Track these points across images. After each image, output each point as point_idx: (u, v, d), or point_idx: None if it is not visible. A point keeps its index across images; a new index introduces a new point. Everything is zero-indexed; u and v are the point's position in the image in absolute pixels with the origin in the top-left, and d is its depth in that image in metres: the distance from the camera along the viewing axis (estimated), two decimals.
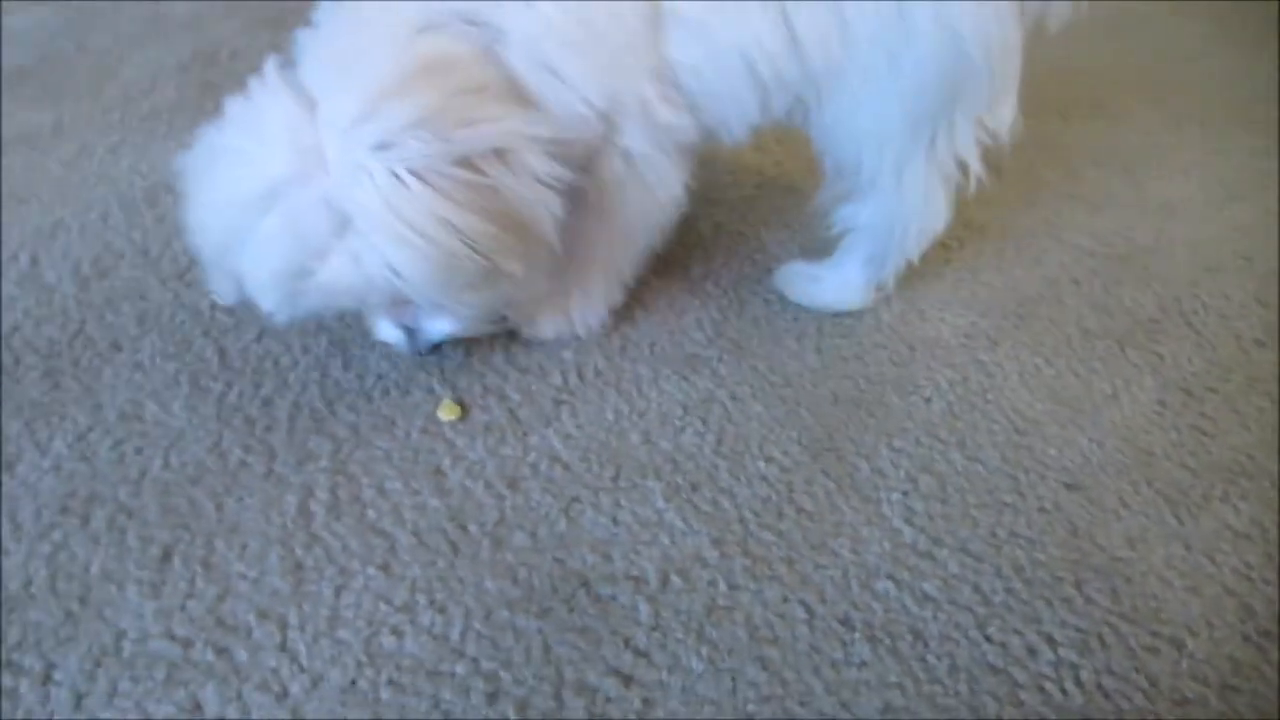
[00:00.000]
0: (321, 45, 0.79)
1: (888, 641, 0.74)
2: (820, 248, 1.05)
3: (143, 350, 0.95)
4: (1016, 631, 0.75)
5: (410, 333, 0.88)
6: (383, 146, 0.71)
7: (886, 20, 0.82)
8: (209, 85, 1.38)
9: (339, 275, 0.75)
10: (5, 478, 0.83)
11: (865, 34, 0.83)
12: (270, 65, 0.76)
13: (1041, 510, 0.84)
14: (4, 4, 1.61)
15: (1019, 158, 1.34)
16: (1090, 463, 0.89)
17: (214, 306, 1.00)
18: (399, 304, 0.84)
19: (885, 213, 0.95)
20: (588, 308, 0.98)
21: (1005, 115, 0.90)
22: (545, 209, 0.79)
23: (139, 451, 0.86)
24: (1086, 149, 1.37)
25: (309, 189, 0.72)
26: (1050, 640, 0.74)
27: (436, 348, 0.92)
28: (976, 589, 0.78)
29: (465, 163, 0.73)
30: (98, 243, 1.08)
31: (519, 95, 0.80)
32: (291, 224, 0.73)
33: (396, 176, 0.70)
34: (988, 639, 0.74)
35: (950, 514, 0.84)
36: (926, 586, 0.78)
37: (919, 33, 0.82)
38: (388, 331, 0.89)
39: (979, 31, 0.82)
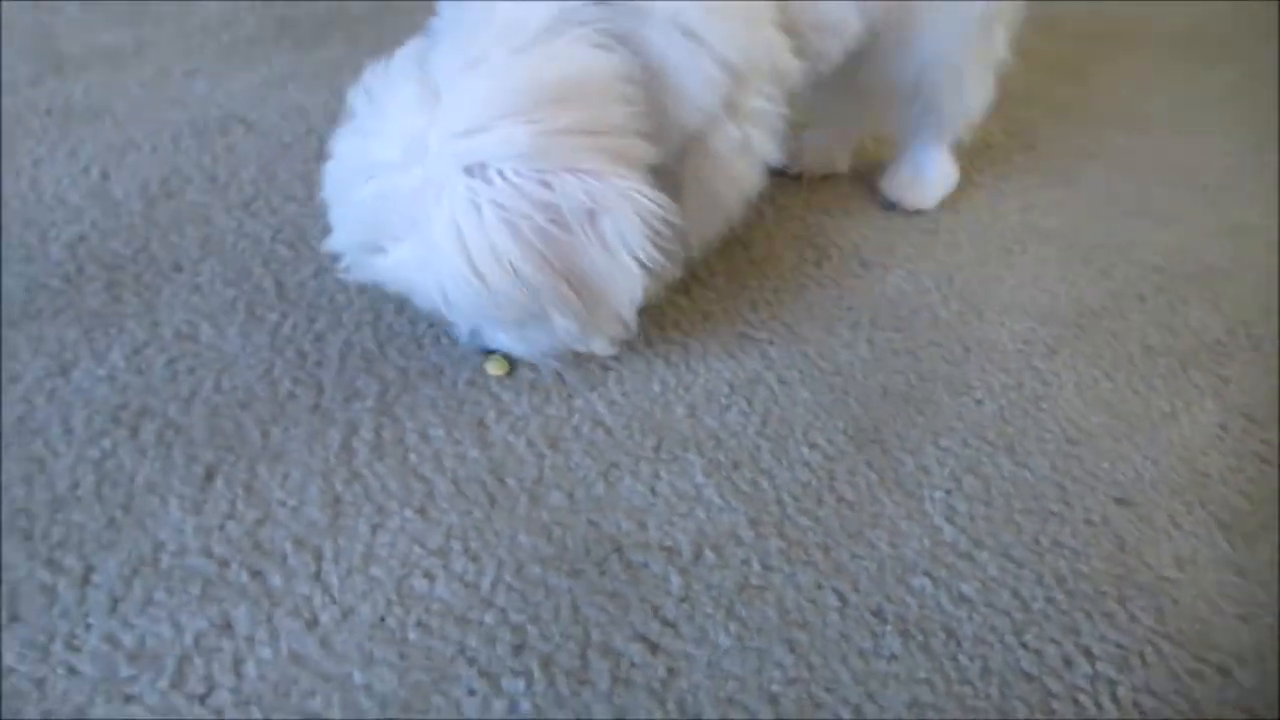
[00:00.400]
0: (452, 33, 0.78)
1: (920, 637, 0.73)
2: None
3: (203, 274, 0.96)
4: (1054, 641, 0.73)
5: (472, 331, 0.88)
6: (474, 170, 0.71)
7: None
8: (287, 21, 1.39)
9: (401, 265, 0.76)
10: (60, 381, 0.84)
11: None
12: (410, 46, 0.77)
13: (1088, 522, 0.82)
14: None
15: (1091, 169, 1.33)
16: (1143, 479, 0.87)
17: (274, 238, 1.01)
18: None
19: (946, 107, 1.13)
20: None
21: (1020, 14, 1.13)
22: (627, 286, 0.77)
23: (191, 371, 0.87)
24: (1162, 165, 1.34)
25: (405, 176, 0.72)
26: (1088, 653, 0.72)
27: (492, 353, 0.90)
28: (1015, 594, 0.76)
29: (553, 213, 0.72)
30: (167, 165, 1.09)
31: (650, 108, 0.78)
32: (379, 200, 0.74)
33: (475, 205, 0.70)
34: (1023, 645, 0.73)
35: (993, 517, 0.82)
36: (964, 587, 0.76)
37: None
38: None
39: None
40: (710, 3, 0.80)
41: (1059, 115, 1.43)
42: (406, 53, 0.76)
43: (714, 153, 0.88)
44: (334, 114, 1.20)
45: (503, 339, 0.87)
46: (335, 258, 0.81)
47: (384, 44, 0.78)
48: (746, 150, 0.89)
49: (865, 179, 1.24)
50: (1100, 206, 1.24)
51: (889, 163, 1.23)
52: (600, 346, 0.87)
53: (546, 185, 0.71)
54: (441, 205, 0.71)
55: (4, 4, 1.42)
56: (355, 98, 0.77)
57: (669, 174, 0.85)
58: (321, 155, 1.13)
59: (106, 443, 0.80)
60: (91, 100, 1.19)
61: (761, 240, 1.10)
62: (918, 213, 1.19)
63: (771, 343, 0.97)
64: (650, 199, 0.74)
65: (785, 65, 0.89)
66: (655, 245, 0.75)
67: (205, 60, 1.29)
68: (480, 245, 0.71)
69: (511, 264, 0.71)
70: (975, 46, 1.09)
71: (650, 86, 0.79)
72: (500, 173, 0.70)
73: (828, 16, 0.92)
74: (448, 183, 0.71)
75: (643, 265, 0.76)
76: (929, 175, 1.20)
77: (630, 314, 0.81)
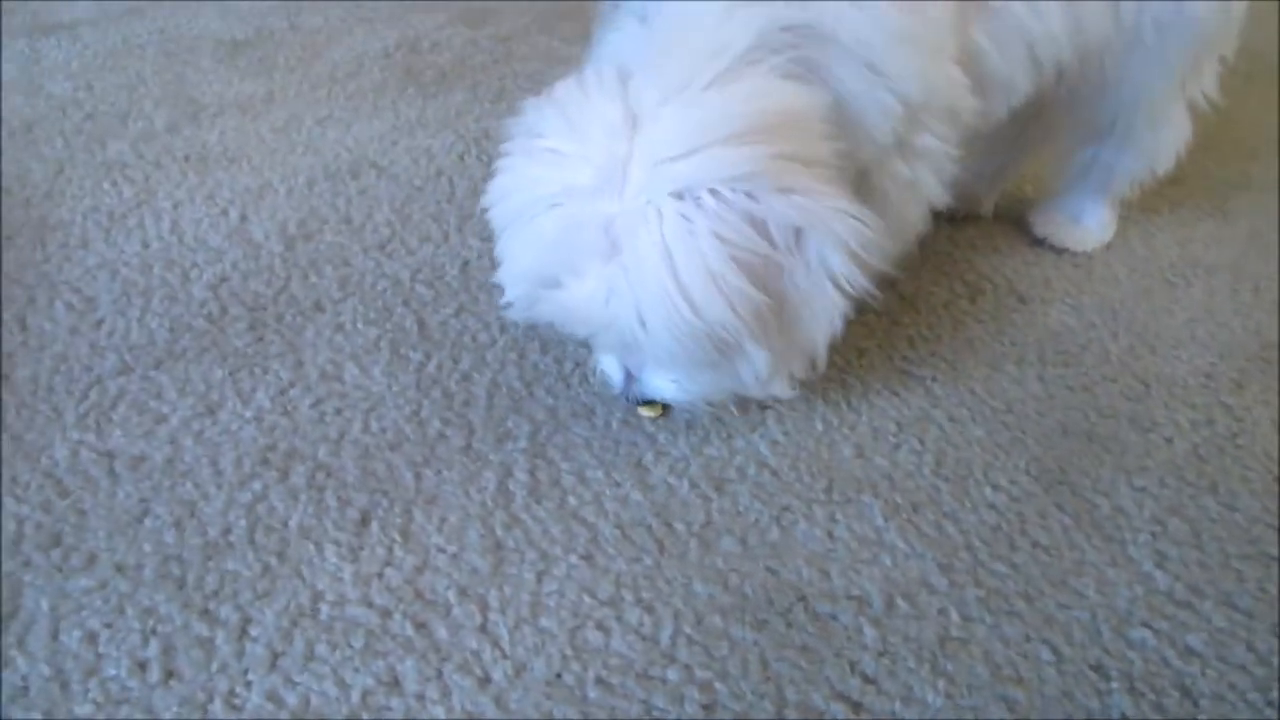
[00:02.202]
0: (643, 60, 0.74)
1: (1151, 696, 0.65)
2: None
3: (344, 314, 0.94)
4: None
5: (629, 378, 0.82)
6: (684, 195, 0.67)
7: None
8: (411, 71, 1.40)
9: (584, 299, 0.70)
10: (208, 422, 0.82)
11: (1136, 12, 0.91)
12: (605, 66, 0.73)
13: None
14: None
15: (1243, 201, 1.25)
16: None
17: (413, 278, 0.99)
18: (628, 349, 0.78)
19: (1135, 153, 1.06)
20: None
21: (1234, 43, 1.02)
22: (826, 314, 0.73)
23: (339, 412, 0.83)
24: None
25: (597, 205, 0.68)
26: None
27: (646, 404, 0.85)
28: (1250, 648, 0.68)
29: (761, 228, 0.68)
30: (304, 207, 1.08)
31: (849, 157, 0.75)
32: (565, 230, 0.69)
33: (690, 230, 0.66)
34: (1271, 704, 0.64)
35: (1208, 563, 0.74)
36: (1190, 639, 0.69)
37: (1192, 5, 0.92)
38: (609, 364, 0.83)
39: None
40: (903, 26, 0.75)
41: (1203, 149, 1.35)
42: (608, 73, 0.72)
43: (880, 190, 0.83)
44: (462, 157, 1.21)
45: (663, 386, 0.80)
46: (502, 295, 0.76)
47: (505, 91, 0.75)
48: (913, 189, 0.84)
49: (1009, 214, 1.18)
50: (1262, 237, 1.16)
51: (1039, 200, 1.17)
52: (780, 388, 0.80)
53: (754, 199, 0.67)
54: (650, 231, 0.67)
55: (142, 57, 1.46)
56: (543, 114, 0.72)
57: None
58: (453, 197, 1.13)
59: (257, 485, 0.76)
60: (227, 146, 1.19)
61: (908, 277, 1.04)
62: (1067, 250, 1.13)
63: (935, 379, 0.91)
64: (859, 218, 0.69)
65: (962, 104, 0.82)
66: (860, 270, 0.70)
67: (334, 108, 1.30)
68: (694, 269, 0.66)
69: (724, 288, 0.67)
70: (1182, 85, 1.01)
71: (836, 119, 0.75)
72: (713, 192, 0.67)
73: (996, 70, 0.85)
74: (656, 208, 0.67)
75: (844, 292, 0.71)
76: (1086, 225, 1.13)
77: (823, 348, 0.75)
